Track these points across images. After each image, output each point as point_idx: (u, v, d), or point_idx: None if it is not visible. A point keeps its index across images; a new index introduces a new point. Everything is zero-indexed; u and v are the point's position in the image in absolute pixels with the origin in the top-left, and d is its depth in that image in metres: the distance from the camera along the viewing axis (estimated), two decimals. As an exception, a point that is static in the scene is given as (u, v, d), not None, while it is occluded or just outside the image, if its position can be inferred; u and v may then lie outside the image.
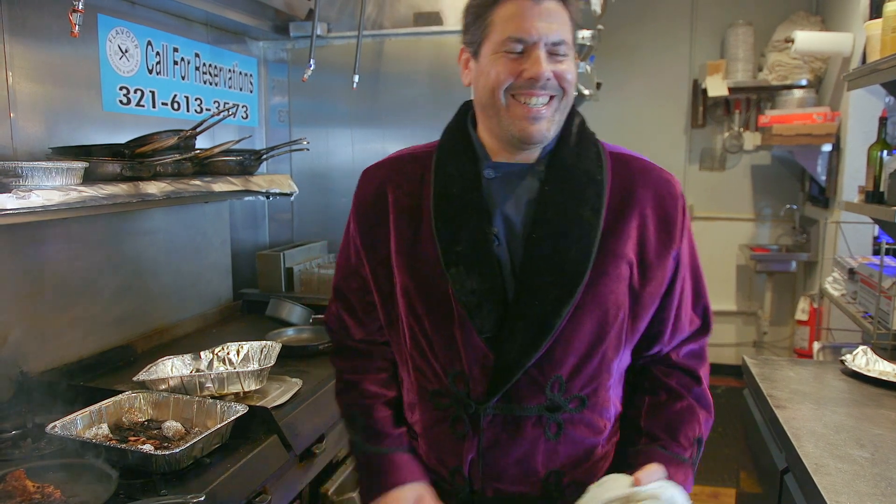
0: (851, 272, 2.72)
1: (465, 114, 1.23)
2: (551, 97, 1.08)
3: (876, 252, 3.25)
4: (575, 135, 1.16)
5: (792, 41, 3.87)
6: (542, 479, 1.14)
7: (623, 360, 1.18)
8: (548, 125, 1.09)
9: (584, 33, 3.27)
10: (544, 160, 1.14)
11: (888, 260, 2.39)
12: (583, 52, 3.01)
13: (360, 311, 1.28)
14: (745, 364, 2.19)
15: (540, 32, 1.06)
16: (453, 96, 2.79)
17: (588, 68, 3.01)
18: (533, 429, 1.12)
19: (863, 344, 2.27)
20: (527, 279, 1.09)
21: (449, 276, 1.10)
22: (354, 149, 2.99)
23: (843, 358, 2.12)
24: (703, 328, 1.24)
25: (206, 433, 1.44)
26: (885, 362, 2.07)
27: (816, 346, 3.19)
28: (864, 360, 2.08)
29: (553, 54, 1.07)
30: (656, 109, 5.04)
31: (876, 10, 2.45)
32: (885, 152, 2.48)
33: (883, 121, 2.59)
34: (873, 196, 2.48)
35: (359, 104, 2.93)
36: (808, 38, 3.84)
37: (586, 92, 3.85)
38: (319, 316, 2.50)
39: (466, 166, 1.15)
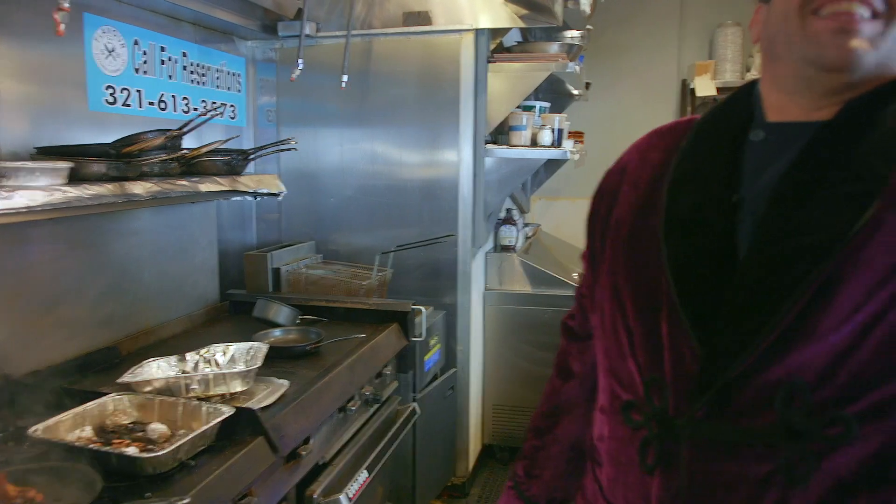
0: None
1: (753, 84, 0.92)
2: (875, 15, 0.75)
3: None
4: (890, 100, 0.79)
5: (780, 42, 3.89)
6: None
7: None
8: (868, 45, 0.74)
9: (573, 33, 3.28)
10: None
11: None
12: (572, 51, 3.01)
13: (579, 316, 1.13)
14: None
15: None
16: (442, 96, 2.81)
17: (577, 68, 3.02)
18: (760, 463, 0.75)
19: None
20: (757, 248, 0.79)
21: (664, 243, 0.85)
22: (343, 149, 2.98)
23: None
24: None
25: (192, 435, 1.43)
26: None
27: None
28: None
29: None
30: (645, 109, 5.04)
31: (862, 13, 2.46)
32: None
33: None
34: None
35: (348, 104, 2.93)
36: (795, 40, 3.86)
37: (575, 92, 3.87)
38: (307, 316, 2.50)
39: (732, 127, 0.88)
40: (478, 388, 3.29)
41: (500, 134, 3.11)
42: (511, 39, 3.26)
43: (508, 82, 2.91)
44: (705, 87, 4.58)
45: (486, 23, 2.76)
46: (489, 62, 2.88)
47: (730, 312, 0.78)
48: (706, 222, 0.84)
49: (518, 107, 3.04)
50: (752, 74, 4.55)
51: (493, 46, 2.97)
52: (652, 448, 0.83)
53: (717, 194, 0.84)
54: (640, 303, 0.88)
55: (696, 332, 0.80)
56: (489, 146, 2.98)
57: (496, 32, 2.95)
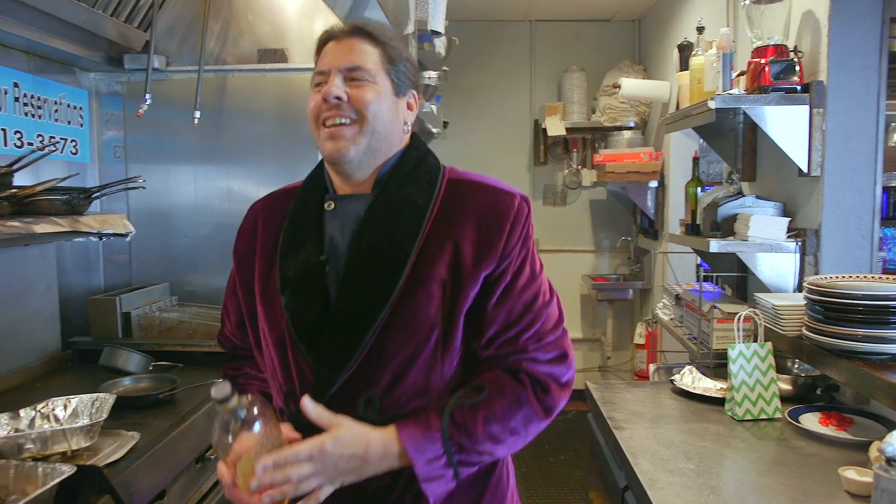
0: (677, 298, 2.97)
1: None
2: (353, 121, 1.16)
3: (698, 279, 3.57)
4: (410, 167, 1.22)
5: (619, 87, 4.21)
6: (369, 494, 1.15)
7: (446, 378, 1.16)
8: (346, 144, 1.15)
9: (430, 74, 3.38)
10: (375, 191, 1.21)
11: (706, 286, 2.63)
12: (428, 91, 3.10)
13: (241, 327, 1.36)
14: (587, 389, 2.32)
15: (334, 62, 1.18)
16: (299, 134, 2.79)
17: (434, 108, 3.11)
18: None
19: (689, 363, 2.47)
20: (340, 301, 1.15)
21: (282, 299, 1.19)
22: (197, 187, 2.88)
23: (673, 378, 2.29)
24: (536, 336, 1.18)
25: (24, 500, 1.30)
26: (708, 379, 2.26)
27: (652, 367, 3.43)
28: (691, 379, 2.26)
29: (351, 79, 1.17)
30: (501, 147, 5.28)
31: (685, 63, 2.73)
32: (699, 189, 2.75)
33: (696, 161, 2.87)
34: (691, 228, 2.73)
35: (202, 141, 2.84)
36: (632, 85, 4.20)
37: (434, 130, 3.97)
38: (161, 363, 2.36)
39: (315, 200, 1.24)
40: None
41: (361, 171, 3.12)
42: (370, 78, 3.30)
43: (368, 120, 2.94)
44: (555, 127, 4.86)
45: (343, 61, 2.78)
46: (348, 100, 2.90)
47: (327, 348, 1.14)
48: (306, 278, 1.18)
49: (378, 144, 3.07)
50: (597, 116, 4.89)
51: (351, 85, 2.99)
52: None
53: (311, 255, 1.19)
54: (275, 339, 1.20)
55: (311, 358, 1.15)
56: (350, 183, 2.98)
57: (354, 71, 2.97)
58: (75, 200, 2.12)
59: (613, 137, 4.84)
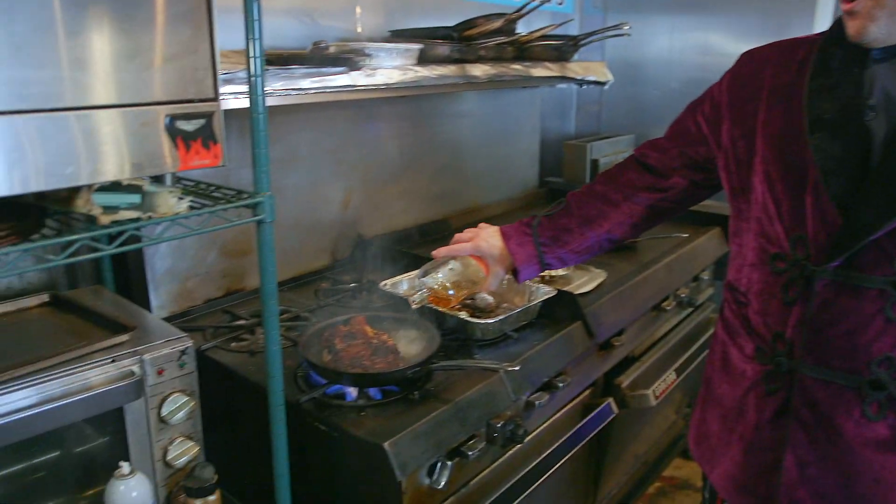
0: None
1: None
2: None
3: None
4: None
5: None
6: (872, 361, 1.05)
7: None
8: (863, 22, 1.01)
9: None
10: None
11: None
12: None
13: (667, 152, 1.45)
14: None
15: None
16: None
17: None
18: (872, 302, 1.04)
19: None
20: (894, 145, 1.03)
21: (811, 141, 1.10)
22: (673, 38, 2.77)
23: None
24: None
25: (517, 310, 1.50)
26: None
27: None
28: None
29: None
30: None
31: None
32: None
33: None
34: None
35: (682, -12, 2.68)
36: None
37: None
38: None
39: (854, 47, 1.08)
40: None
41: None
42: None
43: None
44: None
45: None
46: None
47: (869, 193, 1.04)
48: (845, 120, 1.08)
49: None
50: None
51: None
52: (793, 287, 1.12)
53: (852, 101, 1.07)
54: (790, 183, 1.12)
55: (837, 203, 1.05)
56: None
57: None
58: (565, 47, 2.23)
59: None
